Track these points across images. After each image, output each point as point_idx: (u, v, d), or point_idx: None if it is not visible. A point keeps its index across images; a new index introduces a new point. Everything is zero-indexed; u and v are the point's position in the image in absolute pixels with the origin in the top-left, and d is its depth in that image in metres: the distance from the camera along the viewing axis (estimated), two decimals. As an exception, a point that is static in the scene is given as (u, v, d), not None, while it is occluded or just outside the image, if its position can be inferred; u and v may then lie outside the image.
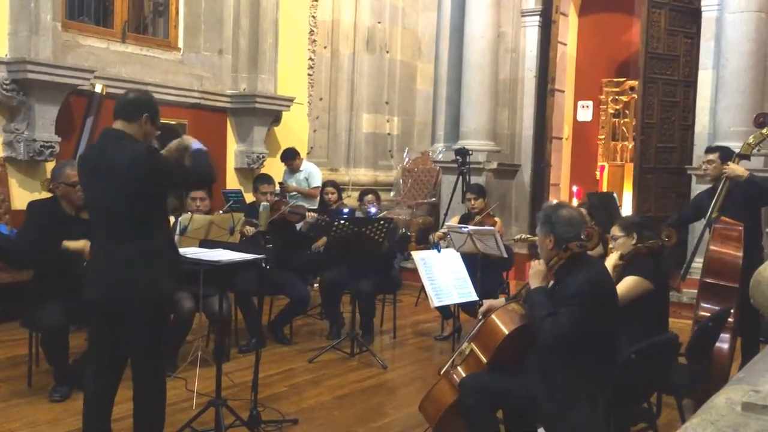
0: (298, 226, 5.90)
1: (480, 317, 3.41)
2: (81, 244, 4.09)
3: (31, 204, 4.51)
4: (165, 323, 3.40)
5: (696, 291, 4.48)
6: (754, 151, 4.81)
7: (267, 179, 5.86)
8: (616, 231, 4.03)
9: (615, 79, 10.68)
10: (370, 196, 6.39)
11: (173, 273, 3.34)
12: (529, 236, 6.45)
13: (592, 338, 3.01)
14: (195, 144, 3.32)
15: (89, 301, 3.25)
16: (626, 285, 3.79)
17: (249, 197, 7.47)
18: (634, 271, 3.86)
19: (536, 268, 3.21)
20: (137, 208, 3.13)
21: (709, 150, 5.09)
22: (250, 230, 5.36)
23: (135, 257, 3.13)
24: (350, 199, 8.99)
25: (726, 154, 4.89)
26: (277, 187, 6.63)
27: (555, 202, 3.90)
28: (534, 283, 3.19)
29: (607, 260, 3.99)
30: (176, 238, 4.71)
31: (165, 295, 3.34)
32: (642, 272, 3.83)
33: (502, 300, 3.42)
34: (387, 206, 8.26)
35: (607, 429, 3.03)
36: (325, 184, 7.40)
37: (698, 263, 5.18)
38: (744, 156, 4.78)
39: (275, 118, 8.71)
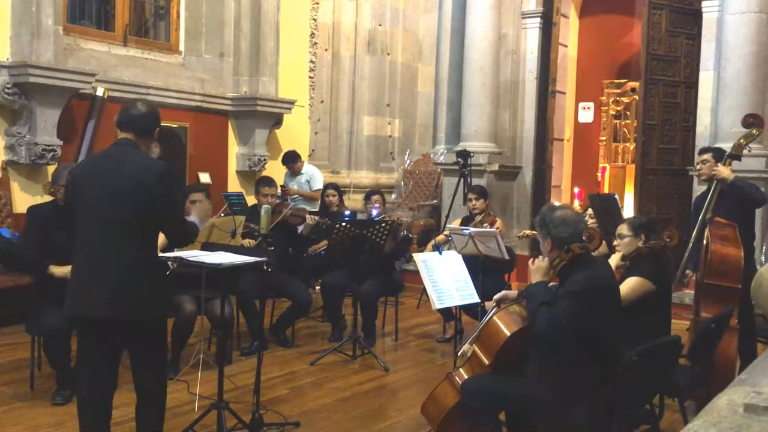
0: (300, 228, 5.90)
1: (494, 304, 3.40)
2: (67, 270, 3.74)
3: (30, 208, 4.51)
4: (165, 328, 3.37)
5: (692, 292, 4.48)
6: (745, 151, 4.82)
7: (269, 182, 5.86)
8: (624, 230, 4.03)
9: (616, 81, 10.66)
10: (376, 197, 6.43)
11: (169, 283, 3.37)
12: (533, 232, 6.48)
13: (591, 339, 3.00)
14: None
15: (82, 315, 3.15)
16: (629, 285, 3.80)
17: (250, 200, 7.49)
18: (637, 272, 3.87)
19: (537, 264, 3.22)
20: (148, 223, 3.11)
21: (703, 151, 5.15)
22: (250, 243, 5.33)
23: (139, 273, 3.08)
24: (351, 201, 8.99)
25: (719, 155, 4.93)
26: (279, 190, 6.63)
27: (549, 204, 3.91)
28: (535, 278, 3.21)
29: (609, 261, 3.99)
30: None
31: (167, 308, 3.35)
32: (644, 273, 3.84)
33: (515, 292, 3.41)
34: (388, 208, 8.26)
35: (609, 431, 3.03)
36: (326, 186, 7.41)
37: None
38: (735, 156, 4.79)
39: (276, 120, 8.72)
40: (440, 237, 6.42)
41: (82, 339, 3.26)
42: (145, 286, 3.10)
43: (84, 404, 3.23)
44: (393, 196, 9.65)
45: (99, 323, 3.12)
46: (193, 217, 3.61)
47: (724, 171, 4.72)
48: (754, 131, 4.78)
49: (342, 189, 7.59)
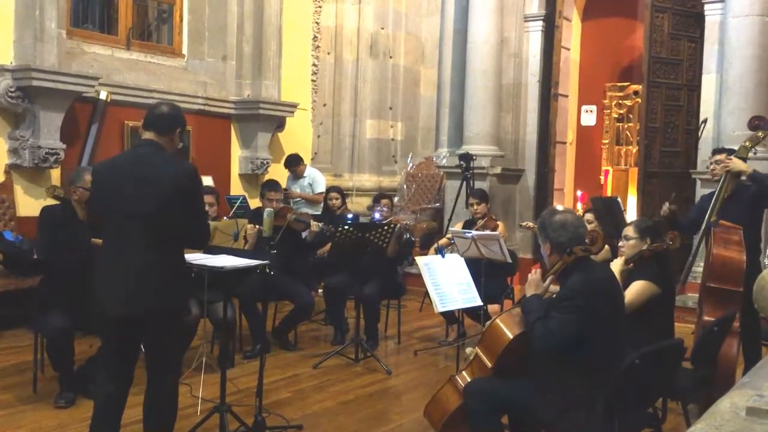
0: (303, 234, 5.89)
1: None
2: None
3: (44, 209, 4.52)
4: (181, 322, 3.43)
5: (697, 295, 4.46)
6: (751, 153, 4.79)
7: (274, 186, 5.84)
8: (630, 231, 4.03)
9: (619, 84, 10.67)
10: (385, 200, 6.46)
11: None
12: (533, 224, 6.51)
13: (588, 342, 3.00)
14: None
15: (108, 314, 3.18)
16: (635, 290, 3.79)
17: (253, 203, 7.50)
18: (642, 275, 3.86)
19: (531, 278, 3.26)
20: (176, 220, 3.15)
21: (717, 151, 5.09)
22: (251, 229, 5.30)
23: (169, 268, 3.15)
24: (354, 204, 8.99)
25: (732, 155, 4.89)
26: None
27: (551, 208, 3.91)
28: (529, 291, 3.23)
29: (613, 264, 3.99)
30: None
31: (187, 304, 3.39)
32: (649, 276, 3.83)
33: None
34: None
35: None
36: (329, 189, 7.41)
37: (698, 267, 5.17)
38: (741, 159, 4.76)
39: (279, 124, 8.74)
40: (443, 240, 6.43)
41: (107, 335, 3.32)
42: (172, 283, 3.17)
43: (100, 405, 3.26)
44: (395, 199, 9.65)
45: (127, 319, 3.16)
46: None
47: (740, 164, 4.63)
48: (760, 134, 4.74)
49: (345, 192, 7.59)
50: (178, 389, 3.37)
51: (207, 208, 5.11)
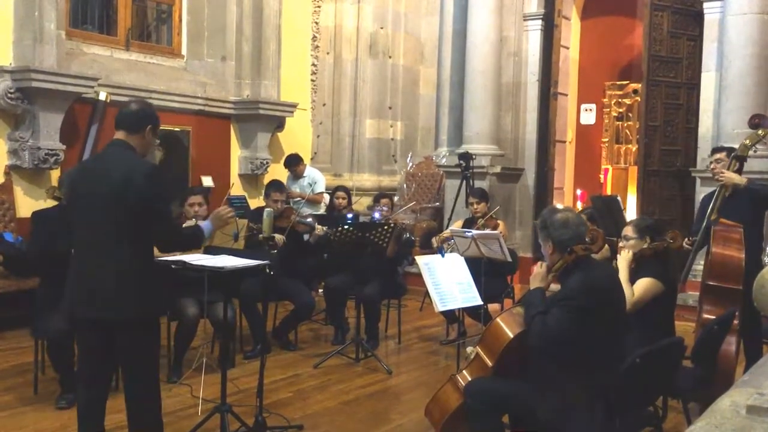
0: (306, 236, 5.88)
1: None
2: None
3: (36, 213, 4.51)
4: (158, 332, 3.35)
5: (698, 293, 4.47)
6: (751, 152, 4.78)
7: (279, 186, 5.82)
8: (629, 231, 4.03)
9: (618, 82, 10.67)
10: (385, 200, 6.46)
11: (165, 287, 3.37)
12: None
13: (588, 342, 2.99)
14: (205, 225, 3.46)
15: (77, 316, 3.18)
16: (642, 286, 3.79)
17: (252, 203, 7.50)
18: (645, 273, 3.86)
19: (537, 270, 3.25)
20: (136, 221, 3.08)
21: (716, 150, 5.08)
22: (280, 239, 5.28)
23: (130, 273, 3.07)
24: (357, 204, 9.00)
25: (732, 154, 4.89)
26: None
27: (552, 206, 3.90)
28: (533, 284, 3.22)
29: (621, 259, 3.99)
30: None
31: (160, 312, 3.35)
32: (653, 274, 3.84)
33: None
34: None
35: (612, 433, 3.03)
36: (336, 189, 7.41)
37: (699, 265, 5.16)
38: (741, 158, 4.74)
39: (279, 124, 8.74)
40: (445, 233, 6.38)
41: (78, 339, 3.32)
42: (134, 287, 3.08)
43: (82, 408, 3.24)
44: (395, 198, 9.65)
45: (92, 323, 3.13)
46: (203, 223, 3.52)
47: (734, 177, 4.62)
48: (761, 132, 4.72)
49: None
50: (160, 406, 3.28)
51: (196, 208, 5.08)
